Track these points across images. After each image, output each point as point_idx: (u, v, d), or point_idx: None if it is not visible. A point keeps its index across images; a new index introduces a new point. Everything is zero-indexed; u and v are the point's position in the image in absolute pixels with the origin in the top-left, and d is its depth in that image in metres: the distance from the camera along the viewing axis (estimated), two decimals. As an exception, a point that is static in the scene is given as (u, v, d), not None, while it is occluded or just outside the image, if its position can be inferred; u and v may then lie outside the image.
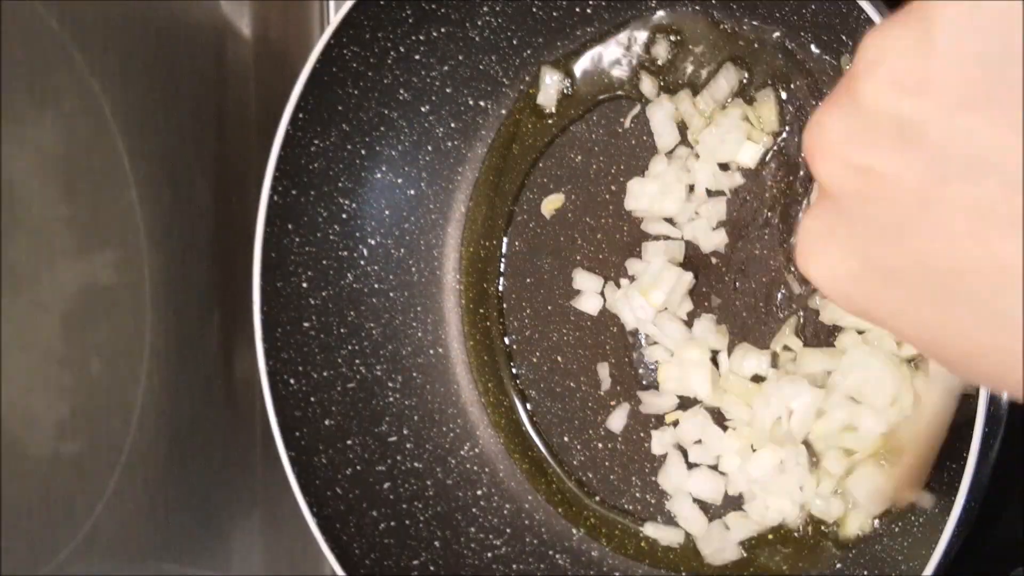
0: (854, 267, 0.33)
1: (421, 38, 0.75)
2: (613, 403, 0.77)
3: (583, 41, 0.77)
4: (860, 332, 0.66)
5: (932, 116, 0.29)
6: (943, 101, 0.29)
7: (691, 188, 0.73)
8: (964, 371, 0.33)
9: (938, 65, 0.29)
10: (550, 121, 0.79)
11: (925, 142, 0.29)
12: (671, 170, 0.73)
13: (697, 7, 0.73)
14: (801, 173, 0.70)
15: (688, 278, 0.72)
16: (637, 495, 0.76)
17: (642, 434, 0.76)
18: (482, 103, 0.80)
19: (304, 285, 0.77)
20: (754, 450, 0.69)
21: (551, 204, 0.79)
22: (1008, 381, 0.31)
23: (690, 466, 0.73)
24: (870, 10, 0.58)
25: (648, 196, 0.74)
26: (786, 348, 0.69)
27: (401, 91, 0.78)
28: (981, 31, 0.28)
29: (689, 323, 0.73)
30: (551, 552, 0.78)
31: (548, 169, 0.80)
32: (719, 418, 0.72)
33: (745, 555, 0.71)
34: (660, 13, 0.74)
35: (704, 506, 0.73)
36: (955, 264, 0.29)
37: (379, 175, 0.80)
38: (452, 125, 0.81)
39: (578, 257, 0.78)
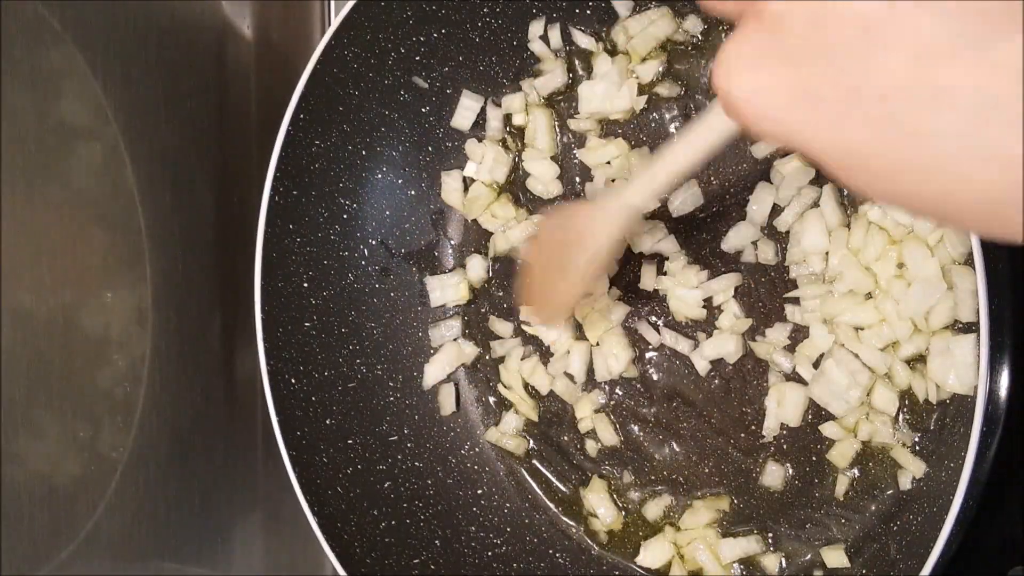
0: (783, 86, 0.36)
1: (421, 39, 0.76)
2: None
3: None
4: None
5: None
6: None
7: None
8: (878, 188, 0.36)
9: None
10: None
11: None
12: (615, 69, 0.74)
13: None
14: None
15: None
16: (637, 493, 0.77)
17: (641, 432, 0.76)
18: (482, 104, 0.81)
19: (305, 285, 0.78)
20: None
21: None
22: (924, 198, 0.35)
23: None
24: None
25: (598, 97, 0.75)
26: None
27: (402, 92, 0.78)
28: None
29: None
30: (551, 551, 0.78)
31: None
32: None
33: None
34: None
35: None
36: (891, 86, 0.33)
37: (379, 175, 0.80)
38: (452, 125, 0.81)
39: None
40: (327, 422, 0.77)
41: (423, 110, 0.80)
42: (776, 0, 0.35)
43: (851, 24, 0.33)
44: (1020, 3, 0.31)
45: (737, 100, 0.37)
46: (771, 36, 0.36)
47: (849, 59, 0.34)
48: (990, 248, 0.55)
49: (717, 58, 0.38)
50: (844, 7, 0.33)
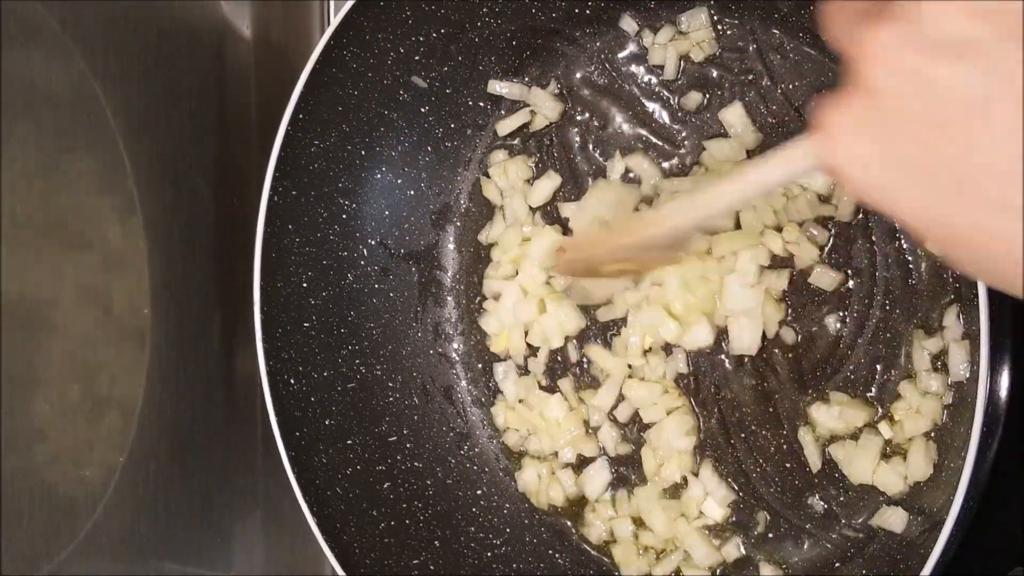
0: (881, 156, 0.36)
1: (421, 39, 0.76)
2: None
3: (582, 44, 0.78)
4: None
5: (991, 38, 0.32)
6: (1003, 28, 0.32)
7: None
8: (972, 265, 0.36)
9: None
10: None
11: (980, 60, 0.33)
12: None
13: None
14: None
15: None
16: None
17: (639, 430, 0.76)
18: (482, 103, 0.81)
19: (304, 285, 0.78)
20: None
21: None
22: (1006, 273, 0.35)
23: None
24: None
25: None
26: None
27: (401, 92, 0.78)
28: None
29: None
30: (551, 551, 0.78)
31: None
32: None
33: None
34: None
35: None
36: (995, 165, 0.33)
37: (379, 175, 0.81)
38: (452, 125, 0.81)
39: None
40: (326, 422, 0.77)
41: (423, 110, 0.80)
42: (881, 71, 0.35)
43: (954, 100, 0.33)
44: None
45: (840, 164, 0.37)
46: (875, 105, 0.36)
47: (951, 135, 0.33)
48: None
49: (818, 117, 0.38)
50: (949, 83, 0.33)
